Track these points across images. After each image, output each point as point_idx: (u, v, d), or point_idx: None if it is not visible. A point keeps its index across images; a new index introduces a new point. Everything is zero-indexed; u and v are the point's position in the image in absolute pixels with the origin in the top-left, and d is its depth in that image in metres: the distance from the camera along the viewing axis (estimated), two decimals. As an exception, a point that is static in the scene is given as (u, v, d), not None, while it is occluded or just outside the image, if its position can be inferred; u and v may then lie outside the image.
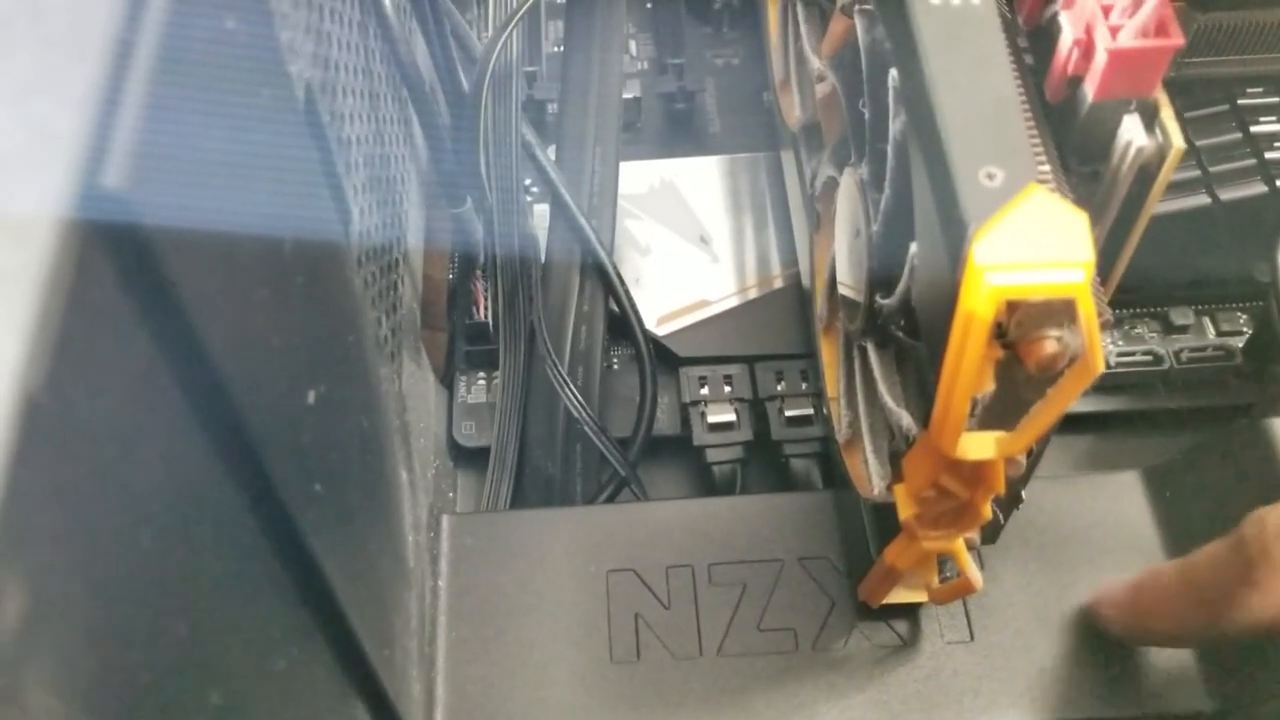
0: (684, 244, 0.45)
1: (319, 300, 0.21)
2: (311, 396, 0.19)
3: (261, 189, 0.17)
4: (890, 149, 0.26)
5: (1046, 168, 0.24)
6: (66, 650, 0.12)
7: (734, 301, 0.44)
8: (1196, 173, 0.38)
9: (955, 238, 0.21)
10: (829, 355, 0.37)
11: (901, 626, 0.33)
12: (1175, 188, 0.37)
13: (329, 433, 0.20)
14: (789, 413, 0.41)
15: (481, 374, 0.43)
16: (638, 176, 0.47)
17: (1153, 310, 0.42)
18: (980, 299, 0.20)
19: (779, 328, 0.43)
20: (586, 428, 0.38)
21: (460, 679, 0.32)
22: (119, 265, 0.13)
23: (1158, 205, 0.27)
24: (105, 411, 0.13)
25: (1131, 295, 0.42)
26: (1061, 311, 0.21)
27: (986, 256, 0.20)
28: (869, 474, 0.31)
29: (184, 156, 0.14)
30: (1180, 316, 0.42)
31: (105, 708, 0.12)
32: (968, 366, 0.21)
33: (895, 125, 0.26)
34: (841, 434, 0.34)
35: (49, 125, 0.12)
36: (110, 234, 0.12)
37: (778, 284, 0.44)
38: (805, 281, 0.41)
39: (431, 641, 0.32)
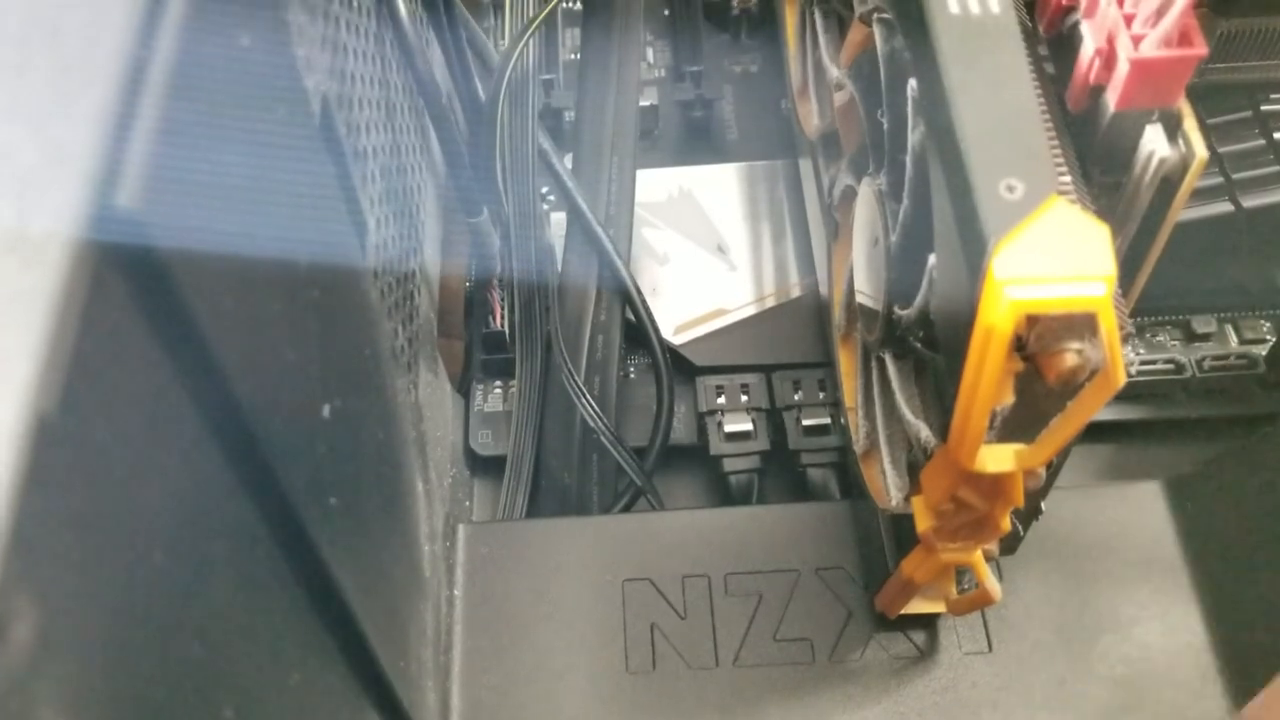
0: (701, 253, 0.45)
1: (334, 313, 0.21)
2: (326, 410, 0.19)
3: (277, 203, 0.17)
4: (909, 159, 0.26)
5: (1068, 179, 0.24)
6: (79, 670, 0.12)
7: (751, 310, 0.44)
8: (1219, 179, 0.37)
9: (975, 251, 0.21)
10: (847, 365, 0.37)
11: (919, 637, 0.33)
12: (1198, 195, 0.37)
13: (344, 446, 0.20)
14: (806, 422, 0.41)
15: (498, 383, 0.43)
16: (655, 185, 0.47)
17: (1174, 318, 0.42)
18: (1000, 313, 0.20)
19: (796, 337, 0.43)
20: (603, 437, 0.38)
21: (475, 688, 0.32)
22: (132, 284, 0.13)
23: (1181, 213, 0.27)
24: (119, 430, 0.12)
25: (1153, 303, 0.42)
26: (1082, 325, 0.20)
27: (1006, 270, 0.20)
28: (887, 485, 0.31)
29: (199, 173, 0.14)
30: (1202, 324, 0.42)
31: (118, 728, 0.12)
32: (987, 380, 0.21)
33: (914, 135, 0.25)
34: (859, 444, 0.34)
35: (63, 145, 0.12)
36: (124, 253, 0.12)
37: (795, 293, 0.44)
38: (823, 291, 0.41)
39: (447, 651, 0.32)
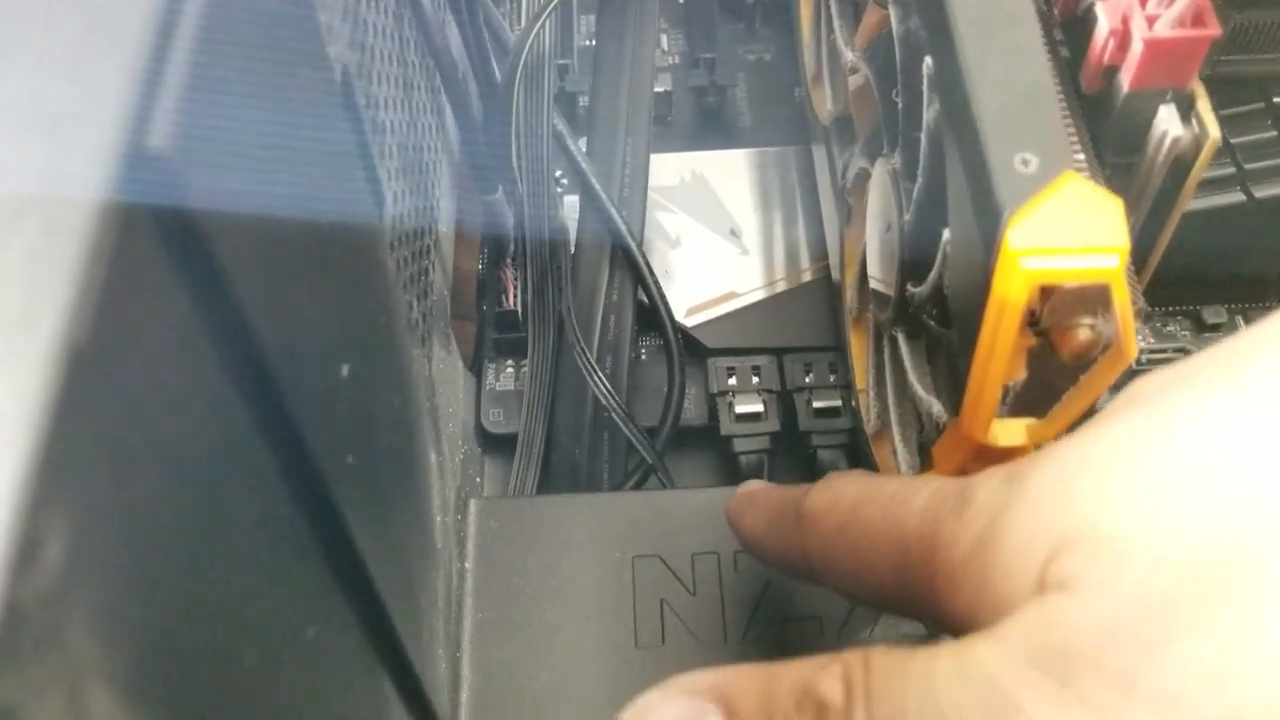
0: (714, 236, 0.45)
1: (353, 277, 0.21)
2: (345, 370, 0.19)
3: (299, 165, 0.17)
4: (924, 136, 0.26)
5: (1081, 158, 0.24)
6: (107, 596, 0.12)
7: (763, 294, 0.44)
8: (1231, 170, 0.37)
9: (990, 223, 0.21)
10: (858, 347, 0.37)
11: (927, 618, 0.33)
12: (1210, 185, 0.37)
13: (362, 406, 0.21)
14: (817, 404, 0.41)
15: (510, 362, 0.43)
16: (668, 169, 0.47)
17: (1185, 308, 0.42)
18: (1014, 284, 0.20)
19: (807, 320, 0.43)
20: (614, 415, 0.38)
21: (485, 660, 0.32)
22: (161, 227, 0.13)
23: (1192, 202, 0.27)
24: (147, 368, 0.13)
25: (1164, 293, 0.42)
26: (1095, 298, 0.21)
27: (1021, 241, 0.20)
28: (898, 463, 0.31)
29: (225, 126, 0.14)
30: (1213, 315, 0.42)
31: (144, 655, 0.13)
32: (1000, 353, 0.21)
33: (929, 113, 0.25)
34: (870, 425, 0.34)
35: (94, 91, 0.12)
36: (153, 195, 0.12)
37: (806, 277, 0.44)
38: (835, 274, 0.41)
39: (457, 622, 0.32)
